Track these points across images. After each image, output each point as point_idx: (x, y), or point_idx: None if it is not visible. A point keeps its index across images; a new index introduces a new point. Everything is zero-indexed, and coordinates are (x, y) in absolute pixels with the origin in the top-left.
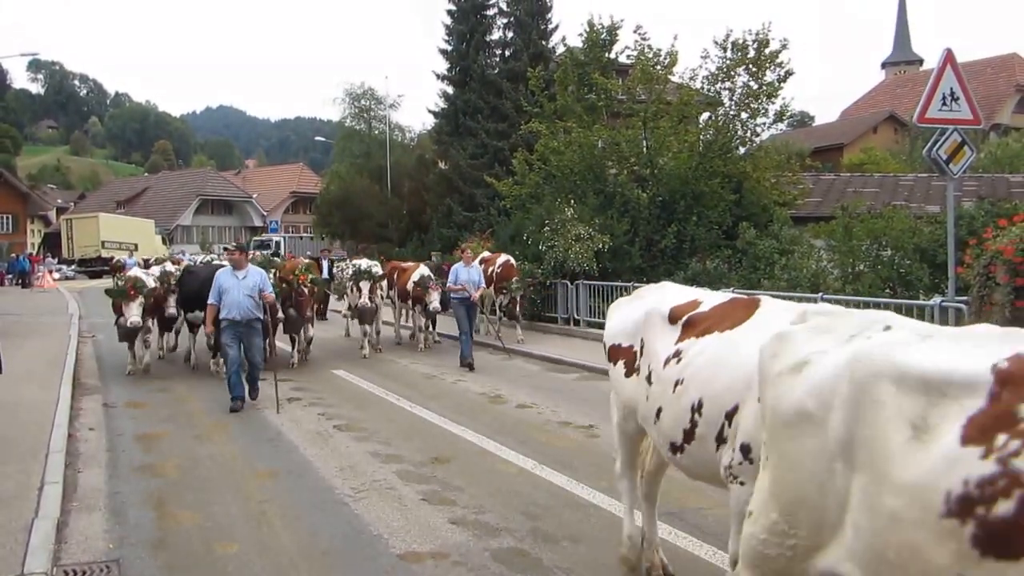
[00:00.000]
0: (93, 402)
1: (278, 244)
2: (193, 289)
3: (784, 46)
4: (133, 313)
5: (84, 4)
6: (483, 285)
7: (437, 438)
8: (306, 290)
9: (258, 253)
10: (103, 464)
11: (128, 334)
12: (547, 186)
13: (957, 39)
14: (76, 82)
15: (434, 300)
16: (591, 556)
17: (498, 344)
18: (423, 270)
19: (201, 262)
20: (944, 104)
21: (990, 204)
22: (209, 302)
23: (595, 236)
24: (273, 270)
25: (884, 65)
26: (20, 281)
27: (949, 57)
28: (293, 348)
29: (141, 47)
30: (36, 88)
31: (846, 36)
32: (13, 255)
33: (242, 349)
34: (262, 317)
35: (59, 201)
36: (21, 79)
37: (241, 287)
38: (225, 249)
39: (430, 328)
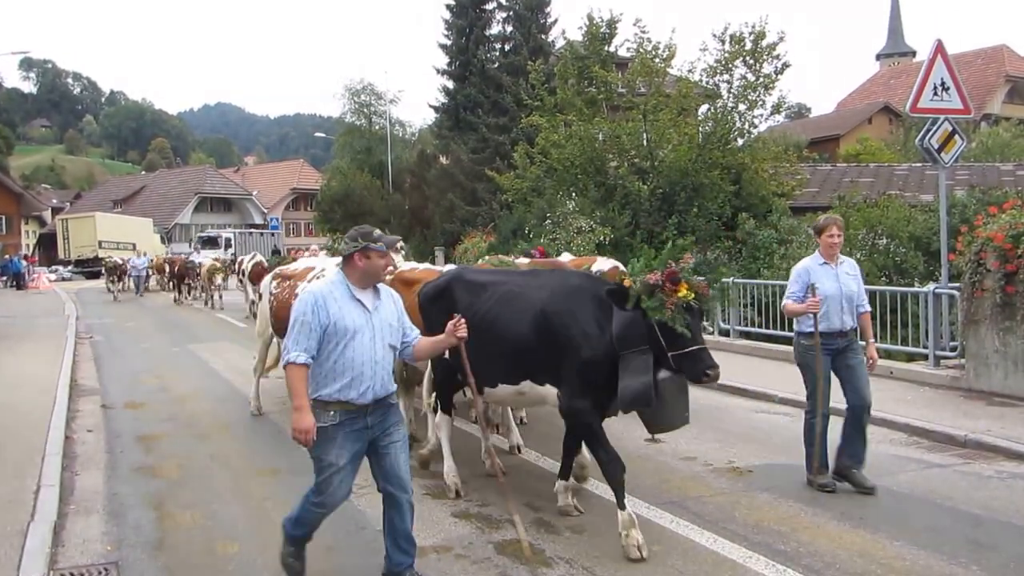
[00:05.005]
0: (91, 403)
1: (229, 241)
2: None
3: (781, 38)
4: None
5: (75, 1)
6: (867, 308)
7: None
8: None
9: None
10: (101, 466)
11: None
12: (548, 179)
13: (948, 31)
14: (69, 80)
15: None
16: (593, 546)
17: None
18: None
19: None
20: (935, 94)
21: (981, 192)
22: (293, 359)
23: (596, 229)
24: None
25: (878, 57)
26: (15, 283)
27: (939, 48)
28: None
29: (136, 44)
30: (28, 87)
31: (841, 29)
32: (7, 256)
33: (355, 467)
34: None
35: (54, 201)
36: (13, 78)
37: (376, 325)
38: (365, 238)
39: None
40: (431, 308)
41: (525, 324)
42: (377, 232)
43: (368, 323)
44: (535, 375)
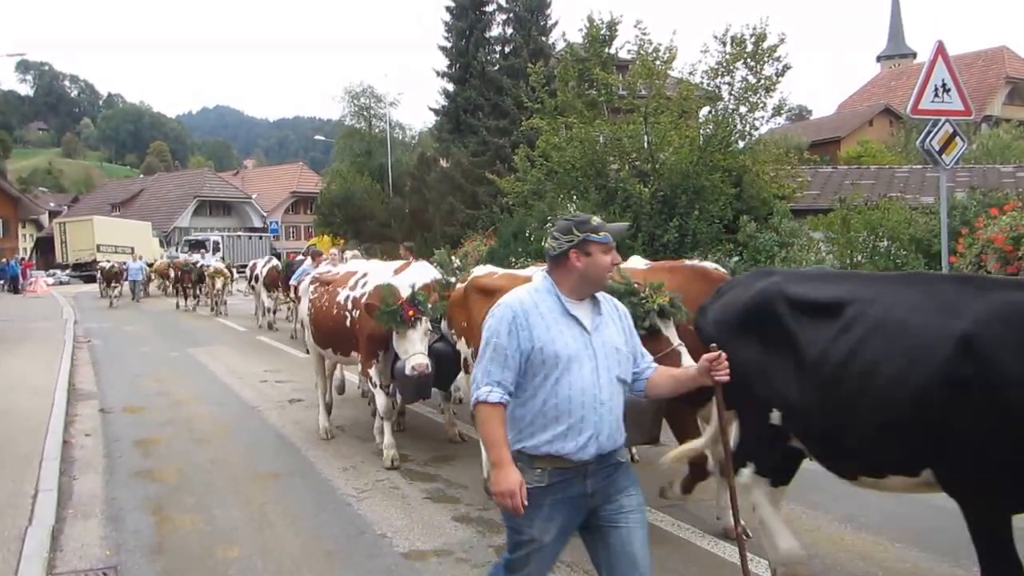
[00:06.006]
0: (90, 408)
1: (217, 244)
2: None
3: (782, 40)
4: (417, 348)
5: (72, 3)
6: None
7: (440, 437)
8: None
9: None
10: (100, 470)
11: (416, 387)
12: (549, 182)
13: (948, 32)
14: (67, 83)
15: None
16: None
17: None
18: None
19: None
20: (936, 96)
21: (982, 194)
22: (483, 397)
23: None
24: None
25: (879, 59)
26: (11, 286)
27: (940, 49)
28: None
29: (134, 46)
30: (25, 89)
31: (842, 30)
32: (3, 260)
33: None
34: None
35: (51, 204)
36: (9, 80)
37: (598, 351)
38: (582, 227)
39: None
40: (738, 347)
41: (930, 371)
42: (597, 220)
43: (588, 348)
44: (945, 459)
